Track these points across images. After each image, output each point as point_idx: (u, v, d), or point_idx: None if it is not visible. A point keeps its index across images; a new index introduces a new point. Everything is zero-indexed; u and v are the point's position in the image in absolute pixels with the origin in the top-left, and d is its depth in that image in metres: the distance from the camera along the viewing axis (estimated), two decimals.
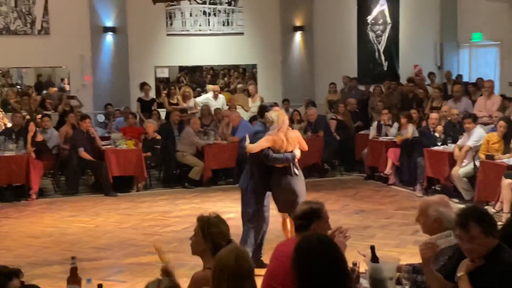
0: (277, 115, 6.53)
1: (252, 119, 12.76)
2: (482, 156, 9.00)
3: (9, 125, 11.44)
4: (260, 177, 6.55)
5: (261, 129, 6.63)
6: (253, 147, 6.49)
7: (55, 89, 14.37)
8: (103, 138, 11.75)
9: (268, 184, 6.57)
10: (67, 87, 14.29)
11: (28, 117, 12.03)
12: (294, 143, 6.54)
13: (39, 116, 11.75)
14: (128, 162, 10.96)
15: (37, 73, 14.51)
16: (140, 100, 13.29)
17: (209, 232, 3.65)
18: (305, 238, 3.20)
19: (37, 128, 10.94)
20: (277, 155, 6.43)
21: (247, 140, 6.59)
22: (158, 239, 7.91)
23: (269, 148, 6.43)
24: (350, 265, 3.62)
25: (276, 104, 7.23)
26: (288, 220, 6.67)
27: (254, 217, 6.62)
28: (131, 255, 7.27)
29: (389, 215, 8.92)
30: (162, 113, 13.33)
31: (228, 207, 9.62)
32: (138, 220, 9.00)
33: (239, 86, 15.15)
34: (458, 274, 3.35)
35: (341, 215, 8.84)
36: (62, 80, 14.48)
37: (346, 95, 14.32)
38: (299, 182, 6.55)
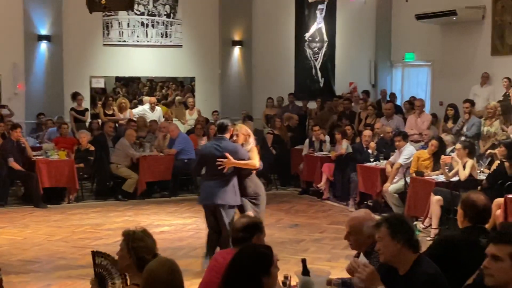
0: (247, 128, 7.02)
1: (189, 132, 12.74)
2: (413, 174, 9.25)
3: None
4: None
5: (238, 145, 6.82)
6: (255, 163, 6.76)
7: None
8: (34, 149, 11.45)
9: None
10: None
11: None
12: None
13: None
14: (59, 173, 10.71)
15: None
16: (73, 110, 13.04)
17: (133, 246, 3.55)
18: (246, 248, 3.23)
19: None
20: (261, 163, 6.99)
21: (230, 158, 6.58)
22: (88, 253, 7.76)
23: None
24: (281, 278, 3.65)
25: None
26: None
27: None
28: (60, 268, 7.09)
29: (322, 229, 9.04)
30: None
31: (162, 220, 9.55)
32: (68, 232, 8.79)
33: (178, 98, 15.07)
34: None
35: (275, 229, 8.89)
36: None
37: (283, 110, 14.48)
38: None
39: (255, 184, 6.94)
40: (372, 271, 3.35)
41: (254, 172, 6.95)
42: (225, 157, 6.56)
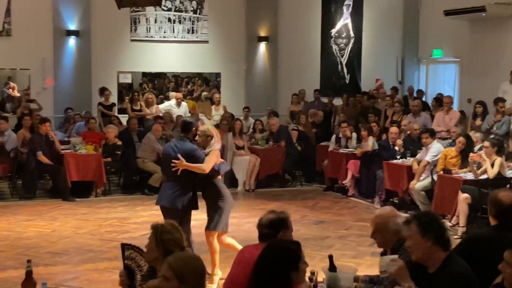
0: (213, 129, 6.50)
1: (215, 127, 12.76)
2: (440, 171, 9.16)
3: None
4: (193, 194, 6.37)
5: (195, 147, 6.30)
6: (208, 166, 6.16)
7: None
8: (62, 143, 11.59)
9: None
10: (10, 92, 13.89)
11: None
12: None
13: None
14: (87, 167, 10.83)
15: None
16: (101, 104, 13.18)
17: (162, 239, 3.60)
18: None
19: None
20: (222, 167, 6.38)
21: (182, 160, 6.09)
22: (115, 246, 7.83)
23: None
24: (308, 274, 3.66)
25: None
26: (223, 236, 6.50)
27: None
28: (87, 261, 7.18)
29: (347, 226, 9.01)
30: (124, 118, 13.22)
31: None
32: (95, 225, 8.89)
33: (204, 94, 15.13)
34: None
35: (300, 225, 8.88)
36: (7, 83, 13.89)
37: (308, 107, 14.45)
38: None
39: (221, 188, 6.39)
40: (402, 266, 3.34)
41: (218, 176, 6.41)
42: (178, 159, 6.11)
